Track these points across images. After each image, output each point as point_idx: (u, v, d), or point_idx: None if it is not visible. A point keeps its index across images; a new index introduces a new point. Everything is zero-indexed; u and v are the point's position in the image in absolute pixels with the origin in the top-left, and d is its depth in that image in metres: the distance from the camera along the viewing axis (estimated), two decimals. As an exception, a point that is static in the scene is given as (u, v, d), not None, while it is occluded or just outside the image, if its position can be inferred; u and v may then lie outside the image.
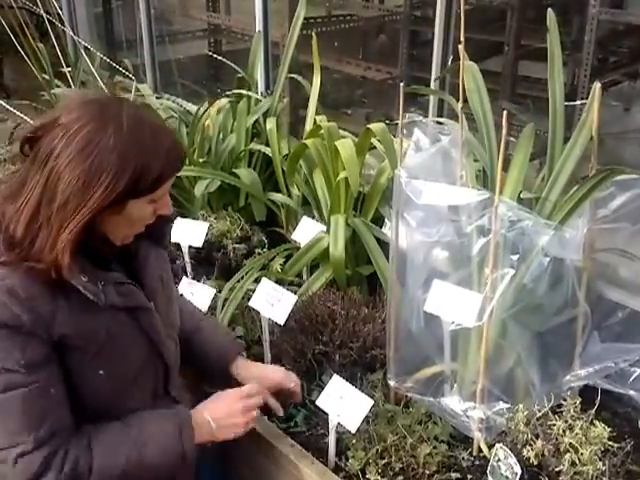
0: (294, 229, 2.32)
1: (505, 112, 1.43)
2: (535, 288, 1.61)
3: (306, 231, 2.27)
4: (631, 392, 1.70)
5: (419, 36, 4.10)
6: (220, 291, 2.15)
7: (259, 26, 2.94)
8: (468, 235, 1.63)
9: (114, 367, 1.33)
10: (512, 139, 2.01)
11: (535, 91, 4.15)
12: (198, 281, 2.25)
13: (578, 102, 2.28)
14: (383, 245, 2.14)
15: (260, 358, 1.93)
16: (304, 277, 2.27)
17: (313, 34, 2.47)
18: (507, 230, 1.55)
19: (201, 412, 1.46)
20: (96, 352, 1.30)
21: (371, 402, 1.55)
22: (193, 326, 1.71)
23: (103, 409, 1.36)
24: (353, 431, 1.55)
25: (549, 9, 1.73)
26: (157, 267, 1.49)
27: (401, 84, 1.69)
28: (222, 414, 1.47)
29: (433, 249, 1.70)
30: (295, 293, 2.11)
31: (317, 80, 2.44)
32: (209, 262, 2.40)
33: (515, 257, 1.56)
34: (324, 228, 2.22)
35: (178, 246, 2.33)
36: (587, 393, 1.72)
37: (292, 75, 2.70)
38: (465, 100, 1.76)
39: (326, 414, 1.60)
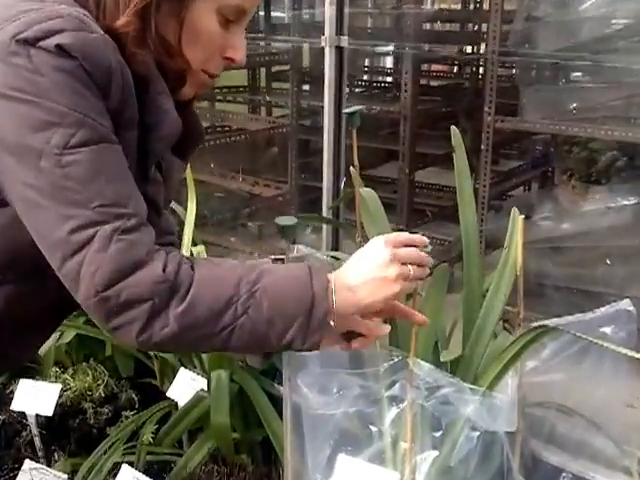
0: (170, 383, 1.92)
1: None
2: (464, 468, 1.29)
3: (184, 386, 1.87)
4: None
5: (309, 145, 3.93)
6: (76, 472, 1.71)
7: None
8: (379, 404, 1.32)
9: None
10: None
11: (433, 199, 4.04)
12: (48, 460, 1.81)
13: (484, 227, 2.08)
14: (277, 402, 1.77)
15: None
16: (184, 445, 1.86)
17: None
18: (425, 399, 1.25)
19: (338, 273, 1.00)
20: None
21: None
22: None
23: None
24: None
25: (453, 127, 1.53)
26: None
27: (281, 218, 1.36)
28: (365, 269, 0.99)
29: (336, 421, 1.37)
30: (172, 467, 1.73)
31: (192, 205, 2.10)
32: (64, 432, 1.94)
33: (438, 434, 1.25)
34: (205, 385, 1.83)
35: (23, 415, 1.88)
36: None
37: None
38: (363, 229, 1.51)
39: None
